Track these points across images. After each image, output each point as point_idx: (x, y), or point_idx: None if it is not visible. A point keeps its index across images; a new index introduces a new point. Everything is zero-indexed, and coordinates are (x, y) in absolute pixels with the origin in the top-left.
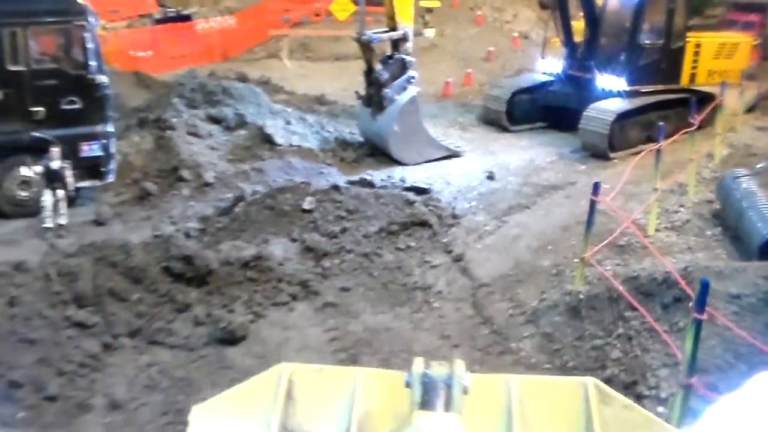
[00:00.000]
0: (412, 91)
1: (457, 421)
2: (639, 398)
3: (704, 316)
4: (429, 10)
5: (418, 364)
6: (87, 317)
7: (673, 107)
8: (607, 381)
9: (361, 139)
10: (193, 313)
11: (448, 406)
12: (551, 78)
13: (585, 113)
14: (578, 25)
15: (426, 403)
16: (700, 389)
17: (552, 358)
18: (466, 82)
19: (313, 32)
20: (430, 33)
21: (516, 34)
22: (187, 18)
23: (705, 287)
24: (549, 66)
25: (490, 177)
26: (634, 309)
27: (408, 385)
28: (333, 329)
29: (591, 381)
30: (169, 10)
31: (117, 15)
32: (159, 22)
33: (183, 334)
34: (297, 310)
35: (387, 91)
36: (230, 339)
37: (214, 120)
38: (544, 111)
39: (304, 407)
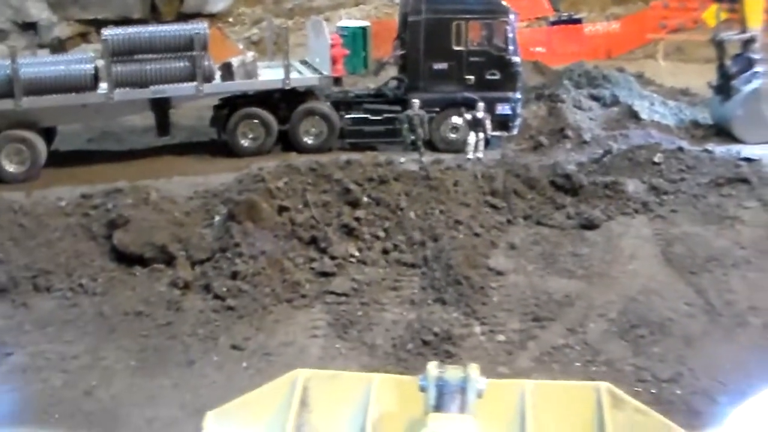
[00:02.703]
0: (756, 83)
1: (471, 423)
2: None
3: None
4: None
5: (433, 368)
6: (497, 203)
7: None
8: None
9: (710, 122)
10: (566, 210)
11: (462, 410)
12: None
13: None
14: None
15: (440, 406)
16: None
17: None
18: None
19: (687, 37)
20: None
21: None
22: (577, 21)
23: None
24: None
25: None
26: None
27: (423, 389)
28: (659, 229)
29: (604, 386)
30: (562, 13)
31: (518, 17)
32: (553, 23)
33: (558, 221)
34: (636, 218)
35: (734, 82)
36: (588, 225)
37: (594, 98)
38: None
39: (319, 413)
